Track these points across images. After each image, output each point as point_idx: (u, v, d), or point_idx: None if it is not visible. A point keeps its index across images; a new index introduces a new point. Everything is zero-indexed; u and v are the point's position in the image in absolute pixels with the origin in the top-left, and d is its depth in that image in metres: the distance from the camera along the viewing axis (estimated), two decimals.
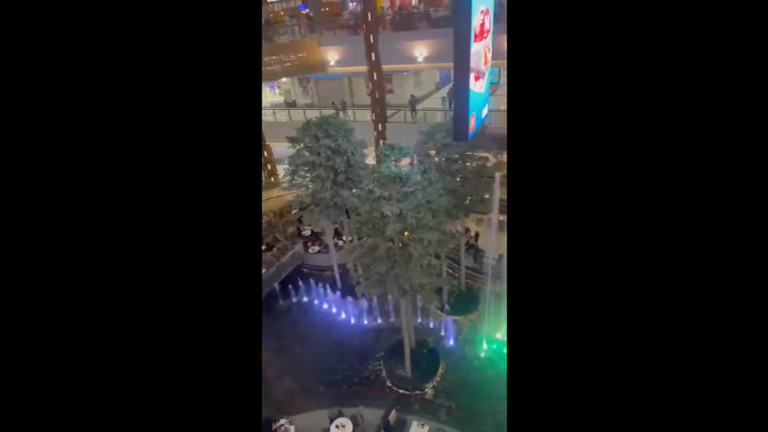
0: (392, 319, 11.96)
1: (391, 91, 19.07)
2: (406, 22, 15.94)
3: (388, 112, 14.69)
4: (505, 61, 12.29)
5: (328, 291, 13.11)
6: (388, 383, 10.03)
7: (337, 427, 8.87)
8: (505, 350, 10.46)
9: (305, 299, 13.28)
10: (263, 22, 16.92)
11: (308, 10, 21.48)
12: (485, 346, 10.68)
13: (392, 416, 9.04)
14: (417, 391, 9.83)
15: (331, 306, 12.81)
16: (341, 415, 9.13)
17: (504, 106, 15.39)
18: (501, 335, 10.72)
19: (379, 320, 12.07)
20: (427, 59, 14.05)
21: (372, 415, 9.21)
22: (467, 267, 12.48)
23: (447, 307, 11.87)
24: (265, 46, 15.09)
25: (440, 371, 10.17)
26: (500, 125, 13.26)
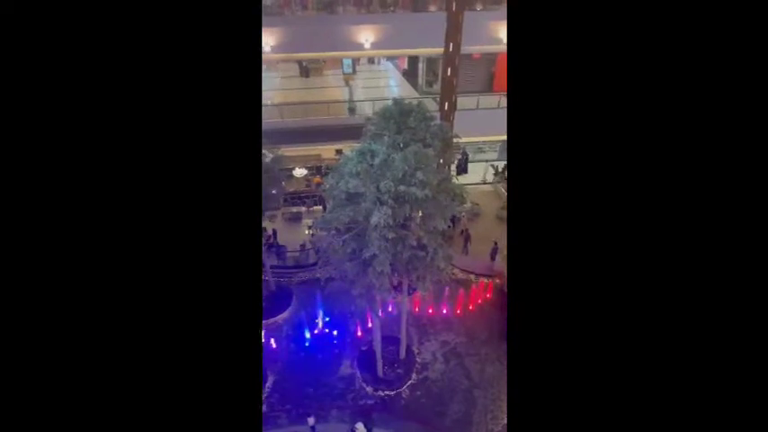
0: None
1: None
2: None
3: None
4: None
5: None
6: None
7: None
8: (327, 330, 11.01)
9: None
10: None
11: None
12: (307, 335, 10.93)
13: None
14: None
15: None
16: None
17: (270, 101, 15.40)
18: (319, 319, 11.18)
19: None
20: None
21: None
22: (272, 267, 12.24)
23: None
24: None
25: (269, 379, 9.80)
26: (267, 119, 13.24)
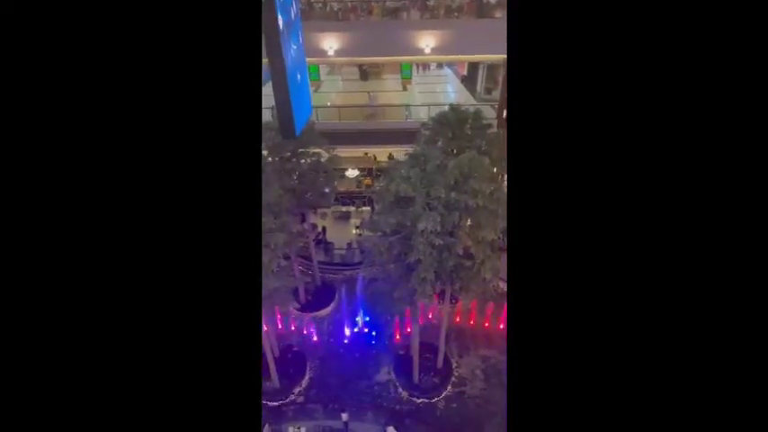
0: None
1: None
2: None
3: None
4: (322, 59, 12.41)
5: None
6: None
7: None
8: (367, 329, 11.14)
9: None
10: None
11: None
12: (347, 332, 11.12)
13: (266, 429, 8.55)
14: (289, 399, 9.54)
15: None
16: None
17: (329, 102, 15.95)
18: (359, 318, 11.33)
19: None
20: None
21: None
22: (319, 262, 12.63)
23: (297, 305, 11.79)
24: None
25: (309, 371, 10.11)
26: (327, 120, 13.71)
